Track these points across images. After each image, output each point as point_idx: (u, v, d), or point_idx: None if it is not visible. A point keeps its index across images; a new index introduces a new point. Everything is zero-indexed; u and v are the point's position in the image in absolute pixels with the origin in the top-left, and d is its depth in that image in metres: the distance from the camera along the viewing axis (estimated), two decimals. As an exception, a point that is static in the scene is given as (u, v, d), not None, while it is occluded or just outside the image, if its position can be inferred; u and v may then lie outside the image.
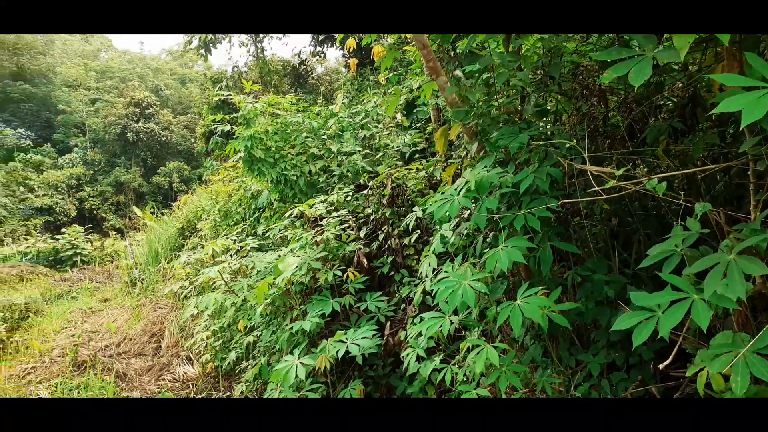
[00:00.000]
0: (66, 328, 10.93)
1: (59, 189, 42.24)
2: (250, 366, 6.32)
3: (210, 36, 16.67)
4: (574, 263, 3.36)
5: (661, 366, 2.24)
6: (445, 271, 3.22)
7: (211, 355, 7.01)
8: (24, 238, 31.19)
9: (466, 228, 3.60)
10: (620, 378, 3.05)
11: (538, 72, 3.86)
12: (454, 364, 3.56)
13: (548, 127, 4.03)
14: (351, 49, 7.96)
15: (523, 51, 3.84)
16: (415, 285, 4.98)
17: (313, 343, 5.05)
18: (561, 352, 3.32)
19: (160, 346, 8.39)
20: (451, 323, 3.11)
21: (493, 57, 3.31)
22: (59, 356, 8.39)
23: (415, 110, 8.60)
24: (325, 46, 17.88)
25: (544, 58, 3.55)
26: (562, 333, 3.36)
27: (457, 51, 5.14)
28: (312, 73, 21.79)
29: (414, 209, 4.82)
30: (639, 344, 2.01)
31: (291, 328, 4.78)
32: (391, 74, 8.56)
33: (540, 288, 2.78)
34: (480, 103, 3.72)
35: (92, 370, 7.42)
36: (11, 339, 10.97)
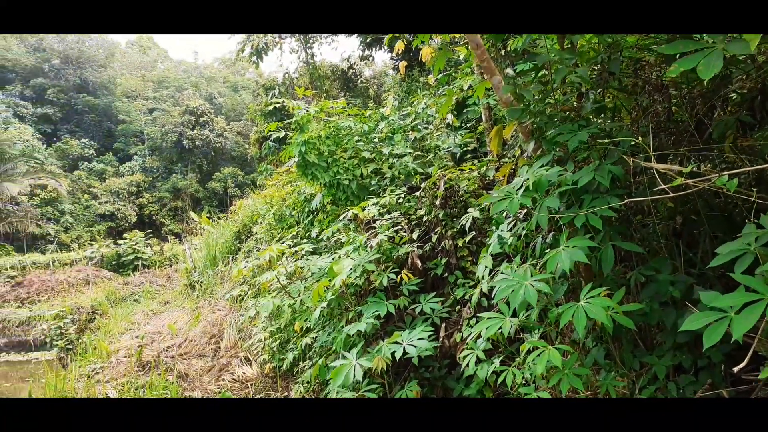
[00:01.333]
0: (130, 329, 11.40)
1: (120, 196, 44.07)
2: (307, 366, 6.42)
3: (261, 44, 17.06)
4: (637, 263, 3.26)
5: (735, 369, 2.15)
6: (503, 272, 3.19)
7: (268, 356, 7.16)
8: (89, 243, 32.64)
9: (523, 228, 3.55)
10: (688, 381, 2.95)
11: (596, 68, 3.78)
12: (514, 366, 3.52)
13: (606, 123, 3.93)
14: (400, 52, 7.99)
15: (578, 47, 3.77)
16: (470, 286, 4.95)
17: (368, 343, 5.09)
18: (624, 354, 3.23)
19: (220, 347, 8.63)
20: (512, 324, 3.08)
21: (549, 54, 3.26)
22: (125, 356, 8.76)
23: (465, 110, 8.55)
24: (374, 49, 17.99)
25: (602, 53, 3.47)
26: (625, 334, 3.27)
27: (509, 49, 5.09)
28: (360, 77, 21.98)
29: (469, 210, 4.79)
30: (710, 346, 1.94)
31: (348, 329, 4.84)
32: (441, 75, 8.54)
33: (603, 289, 2.72)
34: (536, 102, 3.67)
35: (156, 370, 7.70)
36: (80, 340, 11.54)
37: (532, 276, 2.84)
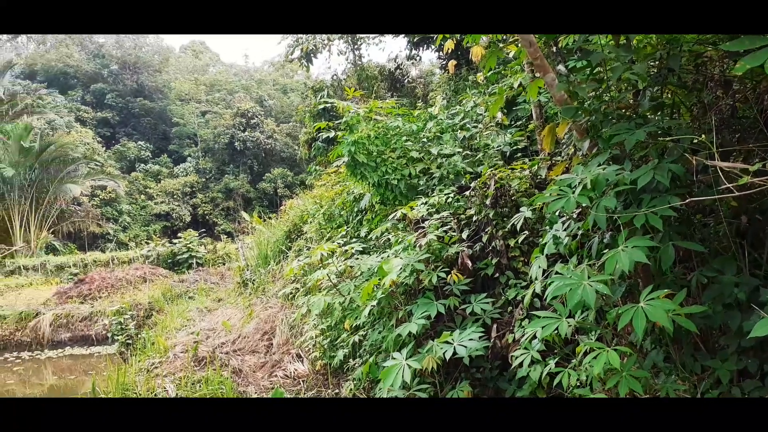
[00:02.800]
0: (185, 326, 11.77)
1: (175, 196, 45.60)
2: (357, 364, 6.49)
3: (311, 46, 17.33)
4: (698, 264, 3.17)
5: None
6: (558, 272, 3.15)
7: (320, 353, 7.28)
8: (145, 242, 33.80)
9: (579, 228, 3.50)
10: (754, 386, 2.84)
11: (653, 64, 3.68)
12: (570, 368, 3.46)
13: (665, 121, 3.82)
14: (449, 51, 7.97)
15: (634, 43, 3.68)
16: (522, 287, 4.90)
17: (418, 343, 5.11)
18: (685, 357, 3.14)
19: (272, 344, 8.81)
20: (568, 325, 3.04)
21: (605, 51, 3.20)
22: (182, 352, 9.05)
23: (514, 108, 8.45)
24: (421, 48, 17.98)
25: (660, 49, 3.38)
26: (686, 337, 3.17)
27: (560, 46, 5.00)
28: (407, 77, 22.01)
29: (521, 210, 4.74)
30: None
31: (398, 330, 4.87)
32: (490, 73, 8.46)
33: (664, 290, 2.65)
34: (591, 99, 3.60)
35: (211, 366, 7.93)
36: (139, 336, 11.99)
37: (590, 276, 2.79)
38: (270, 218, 19.35)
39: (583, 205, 2.94)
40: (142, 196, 44.75)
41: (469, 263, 5.10)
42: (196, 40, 72.92)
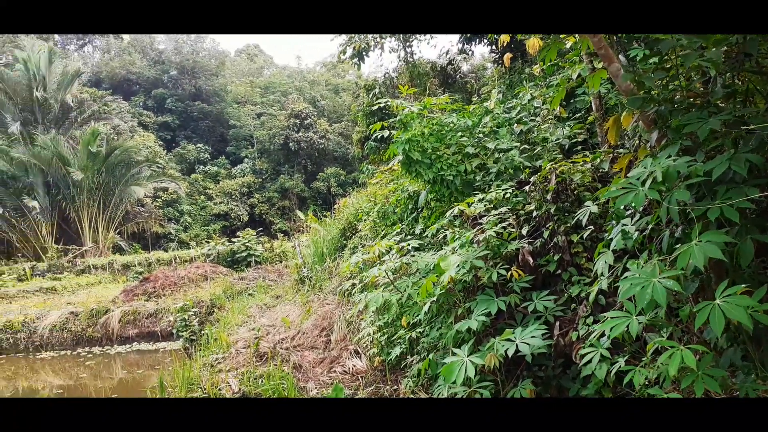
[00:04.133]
0: (246, 322, 12.08)
1: (233, 196, 46.93)
2: (415, 361, 6.50)
3: (363, 45, 17.44)
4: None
5: None
6: (627, 268, 3.05)
7: (377, 350, 7.32)
8: (206, 241, 34.86)
9: (647, 222, 3.38)
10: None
11: (725, 50, 3.51)
12: (641, 366, 3.35)
13: (737, 109, 3.64)
14: (504, 44, 7.85)
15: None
16: (586, 284, 4.78)
17: (478, 340, 5.06)
18: (764, 355, 2.99)
19: (330, 340, 8.94)
20: (639, 323, 2.94)
21: (676, 39, 3.07)
22: (243, 348, 9.30)
23: (573, 100, 8.25)
24: (473, 43, 17.80)
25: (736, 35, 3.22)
26: (765, 335, 3.02)
27: (620, 36, 4.85)
28: (458, 72, 21.84)
29: (586, 204, 4.62)
30: None
31: (458, 326, 4.84)
32: (546, 65, 8.28)
33: (742, 286, 2.53)
34: (659, 89, 3.47)
35: (272, 361, 8.11)
36: (202, 332, 12.39)
37: (660, 273, 2.69)
38: (325, 216, 19.61)
39: (656, 198, 2.83)
40: (202, 197, 46.29)
41: (530, 260, 5.01)
42: (251, 44, 74.63)
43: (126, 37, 64.10)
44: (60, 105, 37.80)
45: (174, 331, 13.84)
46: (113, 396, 11.58)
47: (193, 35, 57.37)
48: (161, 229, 41.24)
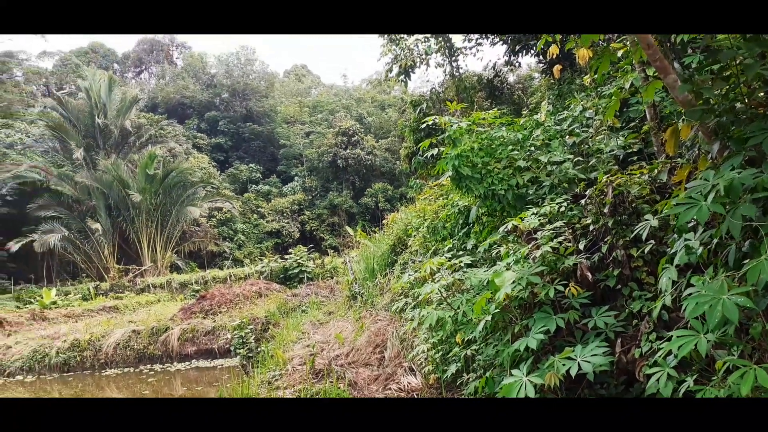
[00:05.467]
0: (301, 338, 12.23)
1: (284, 214, 47.90)
2: (470, 379, 6.43)
3: (409, 62, 17.58)
4: None
5: None
6: (693, 285, 2.96)
7: (432, 367, 7.28)
8: (259, 258, 35.59)
9: (711, 236, 3.26)
10: None
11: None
12: (711, 386, 3.22)
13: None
14: (553, 56, 7.77)
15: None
16: (647, 299, 4.64)
17: (536, 358, 4.97)
18: None
19: (384, 357, 8.95)
20: (708, 341, 2.84)
21: (734, 49, 2.99)
22: (299, 364, 9.42)
23: (625, 109, 8.06)
24: (520, 54, 17.67)
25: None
26: None
27: (675, 42, 4.74)
28: (505, 84, 21.69)
29: (646, 218, 4.50)
30: None
31: (516, 345, 4.78)
32: (596, 75, 8.15)
33: (819, 303, 2.42)
34: (718, 99, 3.37)
35: (328, 378, 8.19)
36: (259, 349, 12.63)
37: (729, 289, 2.60)
38: (374, 232, 19.71)
39: (719, 212, 2.74)
40: (255, 215, 47.46)
41: (589, 275, 4.90)
42: (298, 64, 76.41)
43: (180, 62, 66.76)
44: (119, 130, 39.65)
45: (231, 348, 14.16)
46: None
47: (243, 58, 59.18)
48: (216, 248, 42.44)
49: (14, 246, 32.84)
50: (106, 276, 34.43)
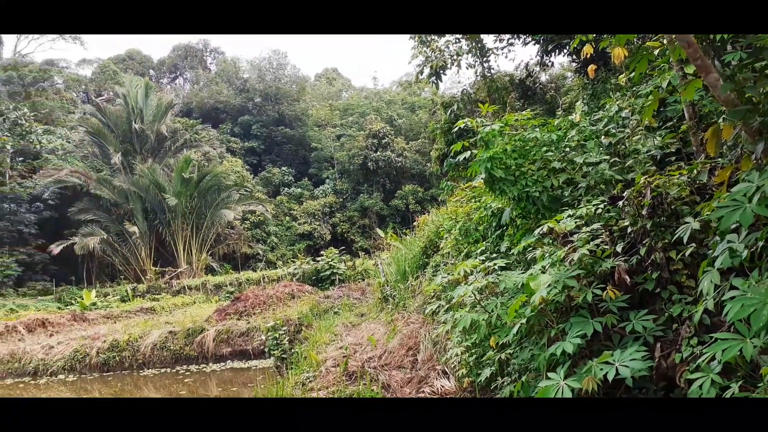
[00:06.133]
0: (333, 340, 12.31)
1: (316, 216, 48.36)
2: (505, 383, 6.38)
3: (440, 63, 17.54)
4: None
5: None
6: (736, 287, 2.89)
7: (465, 370, 7.25)
8: (291, 260, 35.97)
9: (757, 239, 3.18)
10: None
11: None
12: (758, 393, 3.14)
13: None
14: (588, 56, 7.66)
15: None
16: (688, 303, 4.54)
17: (573, 363, 4.91)
18: None
19: (417, 360, 8.95)
20: (754, 347, 2.76)
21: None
22: (332, 366, 9.49)
23: (662, 109, 7.89)
24: (552, 54, 17.45)
25: None
26: None
27: (715, 40, 4.63)
28: (537, 84, 21.45)
29: (687, 220, 4.40)
30: None
31: (552, 349, 4.73)
32: (632, 74, 7.99)
33: None
34: (762, 98, 3.28)
35: (361, 380, 8.23)
36: (292, 350, 12.76)
37: (776, 293, 2.53)
38: (404, 234, 19.70)
39: (765, 215, 2.67)
40: (287, 218, 48.00)
41: (627, 278, 4.82)
42: (329, 68, 76.92)
43: (213, 68, 67.95)
44: (155, 135, 40.59)
45: (266, 349, 14.33)
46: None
47: (275, 62, 59.90)
48: (250, 250, 43.06)
49: (56, 249, 33.94)
50: (143, 278, 35.26)
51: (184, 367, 16.93)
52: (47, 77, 49.59)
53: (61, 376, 17.02)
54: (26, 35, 57.71)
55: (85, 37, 56.09)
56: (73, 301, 29.86)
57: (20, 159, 38.91)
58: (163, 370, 16.81)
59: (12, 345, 19.36)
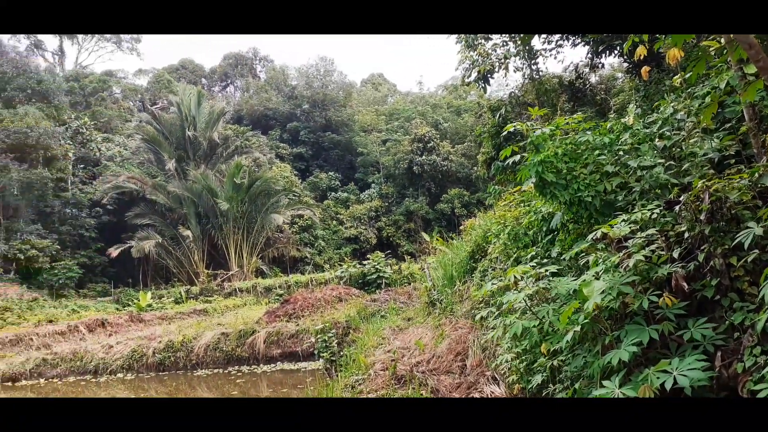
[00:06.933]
0: (381, 344, 12.39)
1: (362, 220, 48.80)
2: (557, 390, 6.31)
3: (488, 66, 17.44)
4: None
5: None
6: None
7: (516, 377, 7.20)
8: (338, 264, 36.39)
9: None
10: None
11: None
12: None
13: None
14: (641, 57, 7.49)
15: None
16: (749, 310, 4.40)
17: (629, 371, 4.82)
18: None
19: (465, 365, 8.92)
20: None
21: None
22: (381, 369, 9.57)
23: (720, 110, 7.64)
24: (603, 56, 17.10)
25: None
26: None
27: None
28: (587, 85, 21.04)
29: (749, 224, 4.27)
30: None
31: (607, 357, 4.66)
32: (687, 75, 7.78)
33: None
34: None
35: (410, 384, 8.27)
36: (341, 353, 12.92)
37: None
38: (450, 238, 19.63)
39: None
40: (334, 222, 48.65)
41: (685, 285, 4.71)
42: (375, 73, 77.47)
43: (263, 76, 69.50)
44: (208, 142, 41.85)
45: (316, 351, 14.55)
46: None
47: (322, 69, 60.77)
48: (298, 253, 43.80)
49: (114, 252, 35.42)
50: (196, 280, 36.36)
51: (236, 367, 17.35)
52: (106, 87, 51.89)
53: (120, 375, 17.73)
54: (87, 48, 60.54)
55: (141, 47, 58.37)
56: (130, 303, 31.08)
57: (81, 166, 40.84)
58: (215, 371, 17.27)
59: (74, 344, 20.31)
